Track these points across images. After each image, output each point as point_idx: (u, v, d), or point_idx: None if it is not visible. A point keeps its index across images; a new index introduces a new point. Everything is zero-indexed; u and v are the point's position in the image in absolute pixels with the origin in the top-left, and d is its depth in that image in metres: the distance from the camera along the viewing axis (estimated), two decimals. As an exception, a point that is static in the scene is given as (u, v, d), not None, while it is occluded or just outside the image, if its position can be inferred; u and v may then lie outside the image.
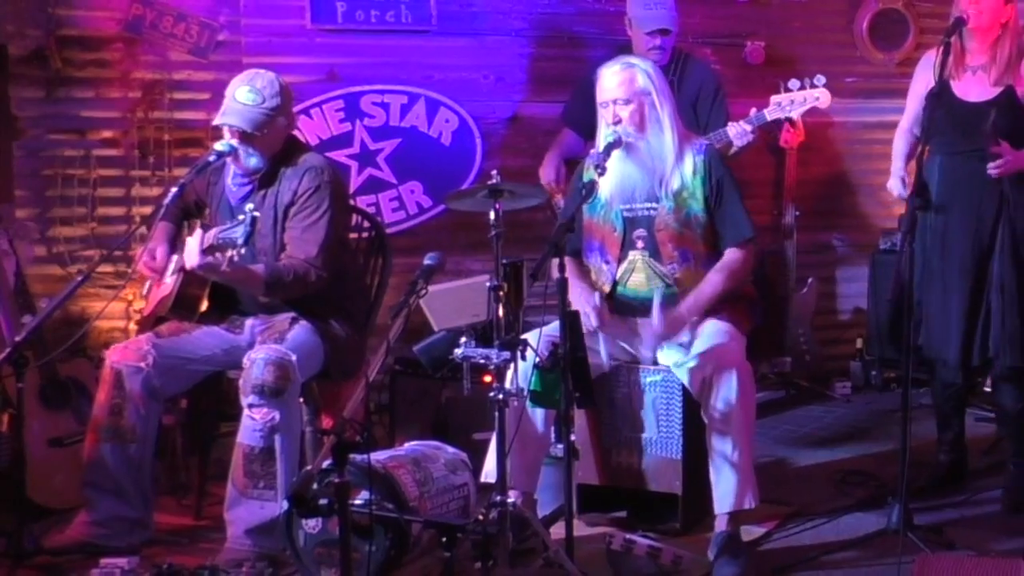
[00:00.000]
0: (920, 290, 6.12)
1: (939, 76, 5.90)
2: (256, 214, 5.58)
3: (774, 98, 7.28)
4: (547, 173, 7.63)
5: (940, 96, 6.01)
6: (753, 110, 7.22)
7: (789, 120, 7.48)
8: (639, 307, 6.05)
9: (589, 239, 6.14)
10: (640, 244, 6.01)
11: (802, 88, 7.21)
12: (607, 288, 6.09)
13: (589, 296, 6.00)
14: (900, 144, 6.66)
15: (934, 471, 6.64)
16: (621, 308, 6.12)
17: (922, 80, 6.42)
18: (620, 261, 6.07)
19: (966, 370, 6.44)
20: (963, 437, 6.76)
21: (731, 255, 6.01)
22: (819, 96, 7.30)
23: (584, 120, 7.29)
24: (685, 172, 5.95)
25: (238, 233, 5.43)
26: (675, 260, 5.97)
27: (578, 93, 7.68)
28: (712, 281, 5.95)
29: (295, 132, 6.40)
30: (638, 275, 6.05)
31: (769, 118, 7.27)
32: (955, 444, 6.70)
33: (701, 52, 8.34)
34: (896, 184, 6.51)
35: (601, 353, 5.98)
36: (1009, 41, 6.20)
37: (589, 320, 5.90)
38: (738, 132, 7.15)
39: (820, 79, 7.29)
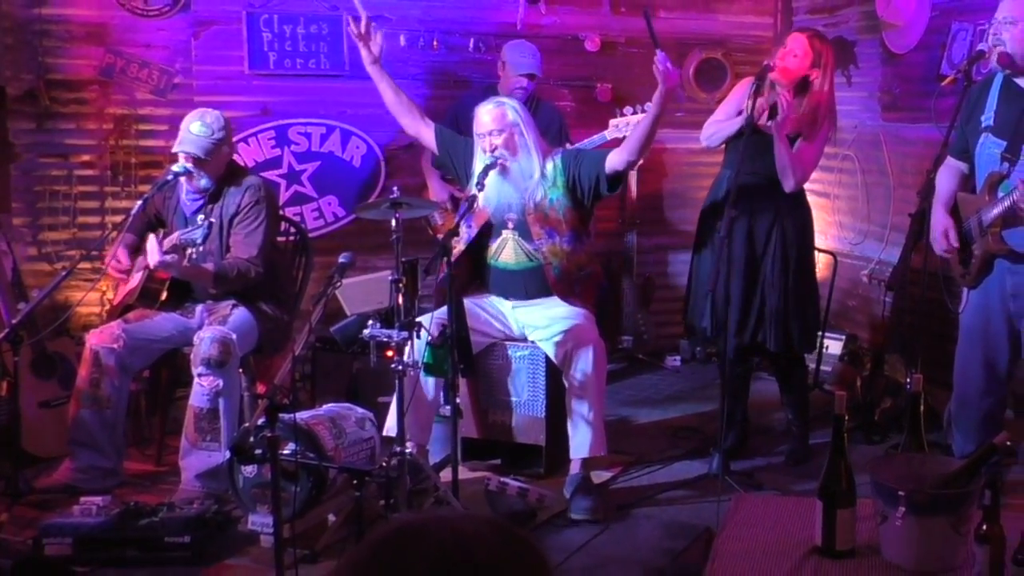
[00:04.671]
0: (711, 282, 5.73)
1: (751, 110, 5.83)
2: (212, 220, 5.73)
3: (612, 121, 7.33)
4: (439, 194, 7.64)
5: (748, 124, 5.87)
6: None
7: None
8: (509, 281, 6.12)
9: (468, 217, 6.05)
10: (511, 224, 6.05)
11: (634, 112, 7.31)
12: (462, 247, 6.06)
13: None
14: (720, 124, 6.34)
15: (738, 432, 6.56)
16: (496, 283, 6.18)
17: (736, 96, 6.31)
18: (493, 238, 6.11)
19: (739, 349, 6.34)
20: (747, 408, 6.69)
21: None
22: None
23: (447, 163, 7.25)
24: (547, 180, 5.98)
25: (197, 235, 5.57)
26: (542, 237, 5.99)
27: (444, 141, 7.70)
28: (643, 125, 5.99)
29: (235, 157, 6.45)
30: (508, 251, 6.08)
31: (609, 137, 7.31)
32: (744, 413, 6.62)
33: (560, 92, 8.41)
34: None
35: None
36: (808, 99, 6.06)
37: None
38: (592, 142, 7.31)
39: (649, 105, 7.39)
